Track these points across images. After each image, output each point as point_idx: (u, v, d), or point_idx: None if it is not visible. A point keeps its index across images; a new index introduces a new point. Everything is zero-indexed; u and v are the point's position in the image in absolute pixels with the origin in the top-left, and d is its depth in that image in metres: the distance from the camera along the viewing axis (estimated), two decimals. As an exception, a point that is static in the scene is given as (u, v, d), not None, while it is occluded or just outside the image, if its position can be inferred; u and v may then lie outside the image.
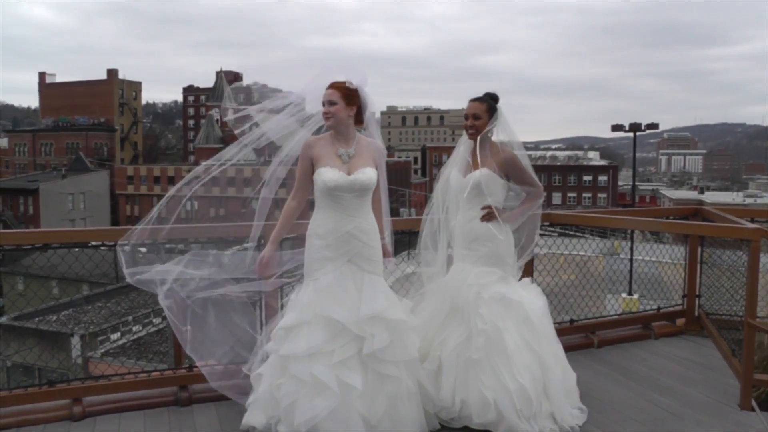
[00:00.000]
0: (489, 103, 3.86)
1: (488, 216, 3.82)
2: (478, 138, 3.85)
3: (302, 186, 3.56)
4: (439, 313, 3.83)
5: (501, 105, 3.90)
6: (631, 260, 18.50)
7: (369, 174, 3.47)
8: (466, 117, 3.89)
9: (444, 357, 3.69)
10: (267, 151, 3.61)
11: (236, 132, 3.57)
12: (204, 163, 3.65)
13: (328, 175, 3.41)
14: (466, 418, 3.60)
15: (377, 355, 3.35)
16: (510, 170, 3.87)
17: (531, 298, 3.84)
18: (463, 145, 3.96)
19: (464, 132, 3.99)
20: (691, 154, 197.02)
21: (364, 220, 3.50)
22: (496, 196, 3.86)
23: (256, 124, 3.60)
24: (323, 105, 3.47)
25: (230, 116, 3.61)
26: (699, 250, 5.39)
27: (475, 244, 3.84)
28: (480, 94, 3.92)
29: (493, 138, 3.91)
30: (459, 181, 3.90)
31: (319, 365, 3.27)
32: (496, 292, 3.74)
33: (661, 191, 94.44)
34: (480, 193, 3.82)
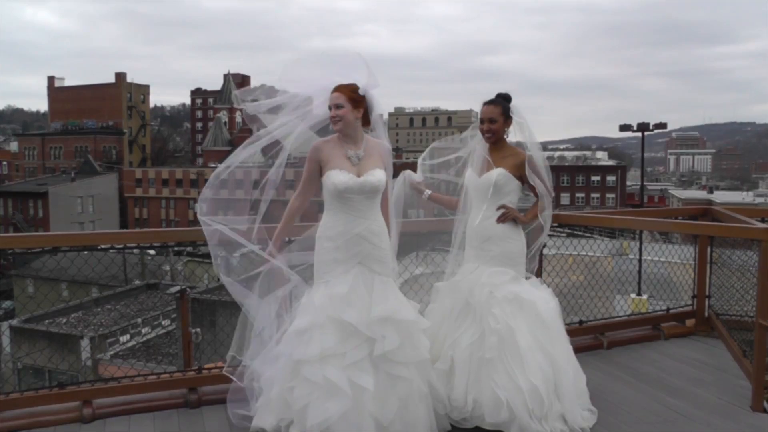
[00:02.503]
0: (503, 105, 3.86)
1: (504, 216, 3.82)
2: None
3: (307, 188, 3.57)
4: (451, 312, 3.82)
5: (517, 104, 3.89)
6: (640, 261, 18.40)
7: (378, 176, 3.46)
8: (482, 121, 3.87)
9: (456, 357, 3.68)
10: (273, 152, 3.59)
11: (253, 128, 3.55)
12: (219, 164, 3.61)
13: (338, 177, 3.41)
14: (478, 418, 3.59)
15: (388, 356, 3.35)
16: (524, 172, 3.85)
17: (544, 298, 3.84)
18: (479, 145, 3.95)
19: (477, 133, 3.98)
20: (699, 154, 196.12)
21: (373, 221, 3.50)
22: (510, 197, 3.86)
23: (264, 125, 3.58)
24: (329, 109, 3.46)
25: (245, 116, 3.58)
26: (708, 250, 5.36)
27: (488, 244, 3.84)
28: (491, 96, 3.91)
29: (510, 138, 3.92)
30: (475, 180, 3.90)
31: (332, 368, 3.27)
32: (509, 291, 3.73)
33: (670, 191, 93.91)
34: (495, 194, 3.82)
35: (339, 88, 3.45)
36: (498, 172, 3.82)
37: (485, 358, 3.60)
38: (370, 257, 3.47)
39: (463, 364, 3.65)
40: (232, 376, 3.64)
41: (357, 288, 3.41)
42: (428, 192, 4.09)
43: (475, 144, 3.98)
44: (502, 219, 3.82)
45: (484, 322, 3.67)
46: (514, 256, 3.85)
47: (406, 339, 3.41)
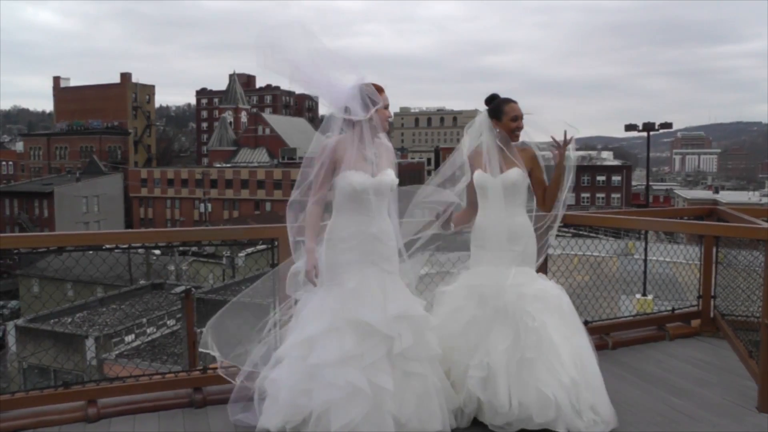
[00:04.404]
0: None
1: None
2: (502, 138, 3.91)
3: (325, 190, 3.49)
4: (477, 320, 3.76)
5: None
6: (645, 261, 18.36)
7: (392, 175, 3.46)
8: (516, 119, 3.86)
9: (493, 362, 3.61)
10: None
11: None
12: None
13: (355, 177, 3.37)
14: (525, 420, 3.53)
15: (403, 353, 3.35)
16: (532, 169, 3.91)
17: (560, 293, 3.84)
18: (491, 143, 3.91)
19: (476, 132, 3.98)
20: (705, 154, 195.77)
21: (384, 221, 3.49)
22: (523, 195, 3.91)
23: None
24: (386, 108, 3.47)
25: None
26: (714, 250, 5.34)
27: (510, 244, 3.83)
28: (486, 97, 3.96)
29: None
30: (489, 180, 3.87)
31: (352, 370, 3.25)
32: (537, 289, 3.74)
33: (676, 191, 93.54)
34: (514, 193, 3.85)
35: (382, 89, 3.47)
36: (517, 172, 3.86)
37: (526, 357, 3.56)
38: (382, 256, 3.45)
39: (503, 369, 3.58)
40: (230, 379, 3.65)
41: (372, 288, 3.39)
42: (452, 225, 4.05)
43: (482, 143, 3.94)
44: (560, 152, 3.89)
45: (520, 322, 3.63)
46: (533, 255, 3.90)
47: (417, 335, 3.41)
